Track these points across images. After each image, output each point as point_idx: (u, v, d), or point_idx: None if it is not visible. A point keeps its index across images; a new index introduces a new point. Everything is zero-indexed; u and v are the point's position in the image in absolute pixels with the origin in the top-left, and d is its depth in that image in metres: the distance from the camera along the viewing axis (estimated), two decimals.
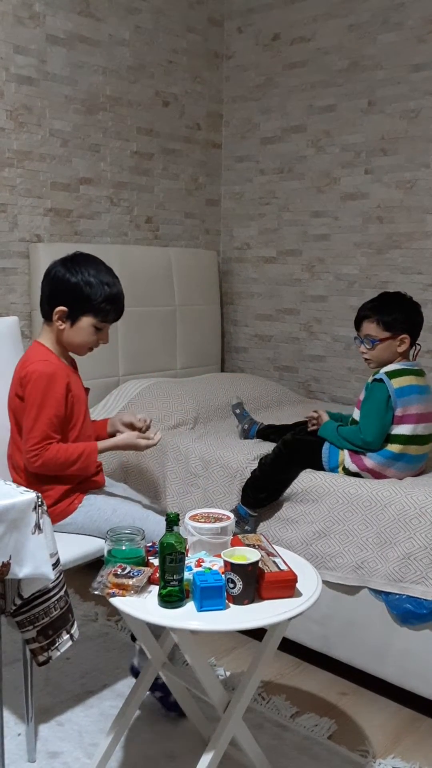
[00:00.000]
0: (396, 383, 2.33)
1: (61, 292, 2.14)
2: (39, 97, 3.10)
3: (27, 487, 1.89)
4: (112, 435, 2.32)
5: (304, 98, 3.59)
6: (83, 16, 3.22)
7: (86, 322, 2.16)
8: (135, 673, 2.19)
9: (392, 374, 2.36)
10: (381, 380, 2.35)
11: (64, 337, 2.19)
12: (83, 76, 3.26)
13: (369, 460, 2.36)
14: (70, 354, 2.29)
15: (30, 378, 2.09)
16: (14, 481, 2.19)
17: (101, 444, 2.18)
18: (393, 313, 2.38)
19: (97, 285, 2.13)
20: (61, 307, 2.14)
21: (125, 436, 2.23)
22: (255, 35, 3.75)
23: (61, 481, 2.16)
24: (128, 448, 2.24)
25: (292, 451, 2.47)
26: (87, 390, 2.34)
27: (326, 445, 2.46)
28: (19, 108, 3.04)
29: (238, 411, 2.88)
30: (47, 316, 2.19)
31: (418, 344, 2.45)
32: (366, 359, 2.45)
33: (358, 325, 2.46)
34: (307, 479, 2.42)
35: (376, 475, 2.36)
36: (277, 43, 3.66)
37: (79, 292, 2.12)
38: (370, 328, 2.41)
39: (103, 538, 1.80)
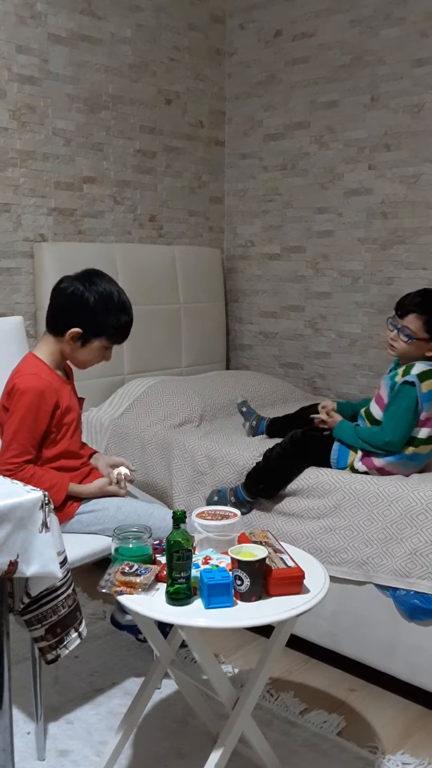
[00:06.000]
0: (425, 387, 2.27)
1: (78, 312, 2.13)
2: (41, 96, 3.10)
3: None
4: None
5: (306, 94, 3.58)
6: (85, 14, 3.21)
7: (97, 344, 2.18)
8: (114, 623, 2.42)
9: (423, 376, 2.28)
10: (412, 383, 2.27)
11: (72, 354, 2.20)
12: (85, 74, 3.26)
13: (380, 460, 2.35)
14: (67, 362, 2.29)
15: (16, 391, 2.09)
16: None
17: (74, 487, 2.18)
18: None
19: (114, 310, 2.15)
20: (77, 329, 2.14)
21: (97, 485, 2.22)
22: (257, 32, 3.74)
23: None
24: (100, 495, 2.24)
25: (299, 448, 2.46)
26: (81, 400, 2.34)
27: (336, 445, 2.45)
28: (22, 108, 3.04)
29: (244, 409, 2.87)
30: (56, 331, 2.18)
31: None
32: (392, 346, 2.37)
33: (402, 312, 2.35)
34: (313, 475, 2.42)
35: (384, 473, 2.36)
36: (279, 40, 3.66)
37: (96, 316, 2.13)
38: (414, 323, 2.30)
39: (110, 536, 1.81)
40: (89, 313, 2.13)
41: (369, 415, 2.44)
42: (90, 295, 2.12)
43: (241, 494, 2.51)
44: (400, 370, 2.35)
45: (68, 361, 2.27)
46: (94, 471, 2.32)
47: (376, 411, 2.40)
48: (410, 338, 2.32)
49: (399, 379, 2.33)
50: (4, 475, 2.02)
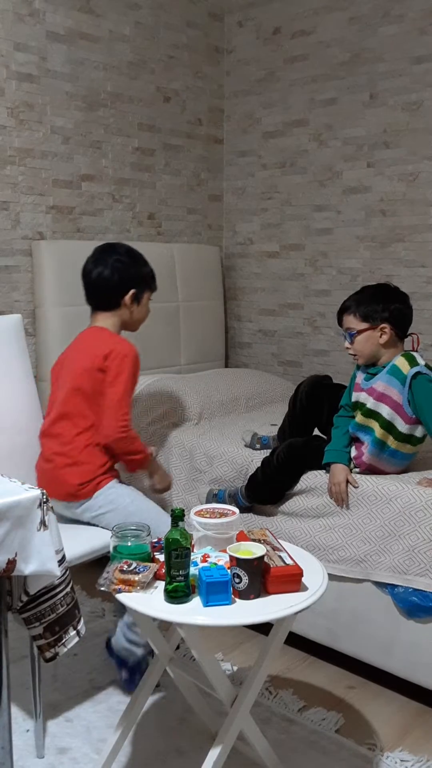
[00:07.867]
0: None
1: (126, 278, 2.38)
2: (40, 94, 3.10)
3: (71, 457, 2.18)
4: None
5: (305, 92, 3.58)
6: (83, 12, 3.21)
7: (146, 298, 2.46)
8: (108, 649, 2.26)
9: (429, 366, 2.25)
10: (424, 373, 2.21)
11: (131, 317, 2.42)
12: (84, 72, 3.25)
13: (388, 466, 2.34)
14: None
15: (118, 354, 2.26)
16: (53, 453, 2.26)
17: (153, 463, 2.42)
18: (371, 303, 2.30)
19: (143, 262, 2.44)
20: (132, 290, 2.38)
21: (164, 468, 2.49)
22: (255, 29, 3.74)
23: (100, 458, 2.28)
24: (159, 478, 2.46)
25: (299, 458, 2.43)
26: None
27: None
28: (20, 105, 3.04)
29: (258, 446, 2.69)
30: (111, 305, 2.38)
31: (413, 333, 2.35)
32: (352, 355, 2.35)
33: (340, 320, 2.38)
34: (312, 475, 2.42)
35: (377, 472, 2.35)
36: (277, 37, 3.65)
37: (139, 273, 2.41)
38: (349, 320, 2.32)
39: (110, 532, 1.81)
40: (134, 273, 2.39)
41: (378, 417, 2.28)
42: (124, 259, 2.38)
43: (241, 501, 2.50)
44: (399, 363, 2.26)
45: (124, 330, 2.45)
46: None
47: (386, 411, 2.26)
48: (351, 335, 2.31)
49: (407, 370, 2.23)
50: (120, 431, 2.24)
